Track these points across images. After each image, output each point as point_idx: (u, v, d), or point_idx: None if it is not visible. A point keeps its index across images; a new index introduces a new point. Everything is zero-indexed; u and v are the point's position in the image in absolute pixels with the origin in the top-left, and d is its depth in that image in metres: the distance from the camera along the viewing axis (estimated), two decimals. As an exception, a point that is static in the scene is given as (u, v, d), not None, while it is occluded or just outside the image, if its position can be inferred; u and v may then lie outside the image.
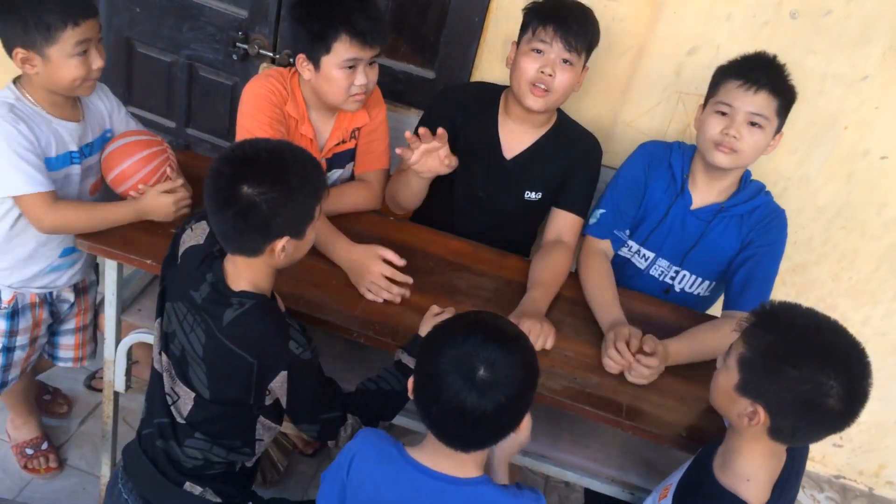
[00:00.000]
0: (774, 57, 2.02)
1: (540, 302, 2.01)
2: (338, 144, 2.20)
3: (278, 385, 1.57)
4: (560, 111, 2.26)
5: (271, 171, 1.48)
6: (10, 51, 1.81)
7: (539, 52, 2.04)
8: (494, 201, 2.27)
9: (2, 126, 1.80)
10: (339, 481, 1.50)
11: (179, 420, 1.67)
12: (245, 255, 1.54)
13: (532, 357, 1.40)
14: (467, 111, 2.22)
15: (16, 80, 1.89)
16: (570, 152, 2.23)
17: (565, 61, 2.04)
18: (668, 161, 2.16)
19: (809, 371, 1.37)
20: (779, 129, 2.01)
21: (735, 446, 1.52)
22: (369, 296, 1.93)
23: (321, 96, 2.08)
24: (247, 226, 1.48)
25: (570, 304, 2.08)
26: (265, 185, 1.45)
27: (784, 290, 2.66)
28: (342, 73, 1.99)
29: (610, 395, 1.83)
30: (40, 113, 1.88)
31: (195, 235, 1.66)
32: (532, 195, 2.25)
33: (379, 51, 2.03)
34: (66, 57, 1.80)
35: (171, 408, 1.68)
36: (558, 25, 2.02)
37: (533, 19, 2.06)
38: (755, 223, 2.10)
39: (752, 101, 1.95)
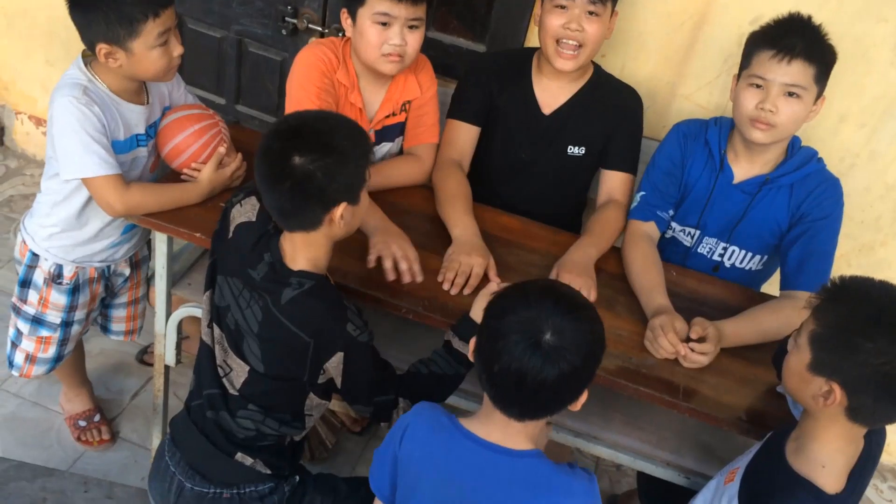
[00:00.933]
0: (809, 19, 1.91)
1: (583, 254, 1.98)
2: (388, 116, 2.17)
3: (334, 365, 1.57)
4: (596, 65, 2.21)
5: (320, 139, 1.48)
6: (91, 46, 1.82)
7: (563, 7, 1.99)
8: (538, 160, 2.23)
9: (76, 108, 1.80)
10: (390, 453, 1.49)
11: (232, 392, 1.67)
12: (305, 230, 1.53)
13: (600, 329, 1.36)
14: (500, 76, 2.20)
15: (85, 61, 1.88)
16: (610, 107, 2.18)
17: (591, 13, 1.99)
18: (705, 138, 2.08)
19: (886, 343, 1.30)
20: (819, 95, 1.91)
21: (810, 430, 1.45)
22: (375, 255, 1.86)
23: (358, 54, 2.05)
24: (306, 196, 1.48)
25: (624, 282, 2.02)
26: (317, 153, 1.46)
27: (849, 271, 2.45)
28: (375, 28, 1.96)
29: (666, 376, 1.77)
30: (111, 96, 1.88)
31: (245, 211, 1.65)
32: (575, 150, 2.21)
33: (418, 13, 1.98)
34: (149, 49, 1.81)
35: (224, 379, 1.68)
36: None
37: None
38: (807, 194, 1.99)
39: (787, 73, 1.85)
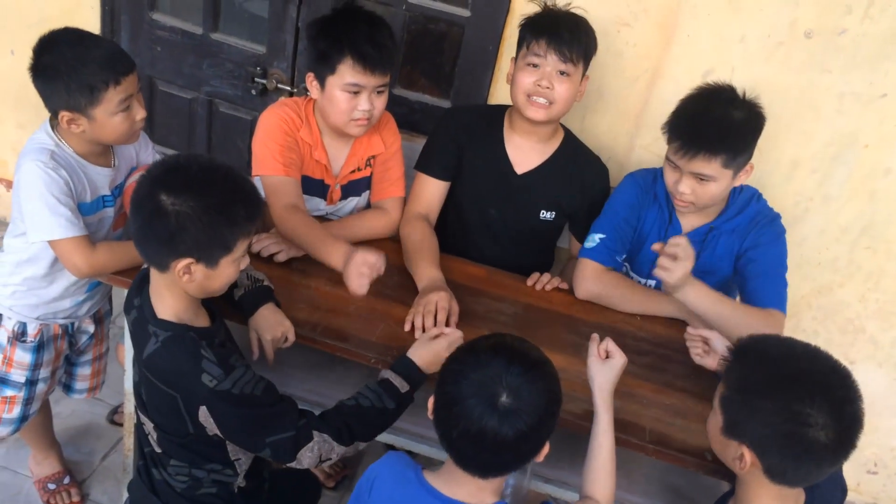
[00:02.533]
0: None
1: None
2: (353, 172, 2.22)
3: (204, 418, 1.50)
4: (566, 129, 2.28)
5: (193, 185, 1.42)
6: (55, 114, 1.84)
7: (535, 66, 2.06)
8: (508, 219, 2.26)
9: (43, 172, 1.82)
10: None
11: (156, 448, 1.66)
12: (154, 267, 1.50)
13: (556, 385, 1.37)
14: (471, 130, 2.24)
15: (52, 124, 1.91)
16: (581, 175, 2.24)
17: (562, 73, 2.06)
18: (654, 191, 2.15)
19: (782, 401, 1.31)
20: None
21: (742, 496, 1.45)
22: (357, 282, 1.87)
23: (325, 117, 2.11)
24: (152, 233, 1.44)
25: (591, 327, 2.05)
26: (181, 197, 1.40)
27: (810, 313, 2.62)
28: (345, 96, 2.02)
29: (632, 419, 1.80)
30: (78, 160, 1.90)
31: None
32: (547, 215, 2.26)
33: (385, 80, 2.05)
34: (111, 115, 1.83)
35: (148, 437, 1.67)
36: (551, 38, 2.03)
37: (527, 34, 2.08)
38: (747, 232, 2.08)
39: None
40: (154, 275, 1.53)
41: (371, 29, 2.00)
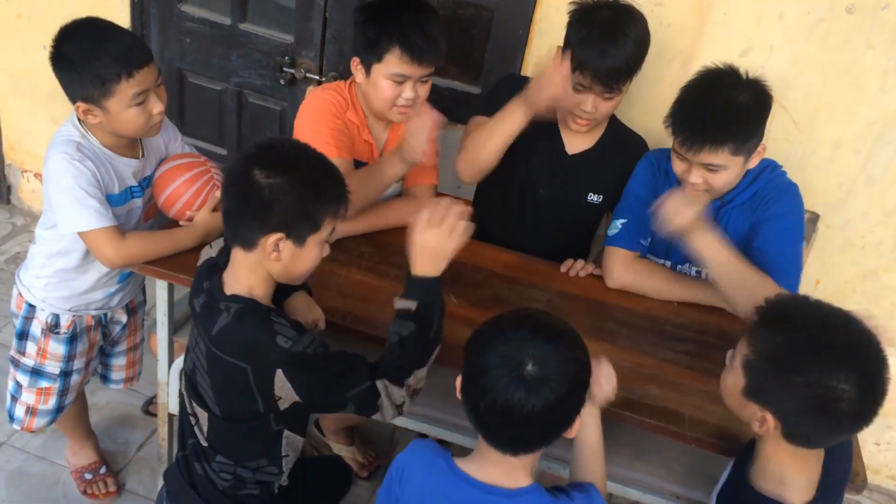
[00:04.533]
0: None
1: None
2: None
3: (280, 386, 1.49)
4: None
5: (286, 161, 1.46)
6: (72, 102, 1.85)
7: (581, 88, 2.01)
8: (554, 200, 2.23)
9: (70, 165, 1.83)
10: (393, 496, 1.47)
11: (203, 442, 1.65)
12: (241, 247, 1.50)
13: (583, 354, 1.35)
14: None
15: (80, 118, 1.91)
16: (627, 156, 2.19)
17: (607, 98, 2.02)
18: (666, 168, 2.08)
19: (818, 377, 1.28)
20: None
21: (764, 452, 1.44)
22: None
23: (368, 102, 2.09)
24: (245, 208, 1.45)
25: (626, 314, 2.02)
26: (274, 171, 1.43)
27: (854, 298, 2.54)
28: (389, 84, 2.00)
29: (671, 406, 1.76)
30: (104, 151, 1.90)
31: (211, 251, 1.67)
32: (594, 198, 2.22)
33: (431, 69, 2.02)
34: (125, 108, 1.81)
35: (195, 428, 1.66)
36: (596, 73, 1.96)
37: (573, 42, 2.00)
38: (758, 202, 1.99)
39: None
40: (237, 257, 1.52)
41: (420, 18, 1.97)
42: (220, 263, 1.59)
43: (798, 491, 1.39)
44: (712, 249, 1.84)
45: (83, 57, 1.77)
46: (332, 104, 2.08)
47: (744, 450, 1.55)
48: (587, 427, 1.55)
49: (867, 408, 1.30)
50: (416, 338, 1.52)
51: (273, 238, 1.45)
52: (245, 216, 1.47)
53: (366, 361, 1.55)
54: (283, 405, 1.53)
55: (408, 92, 2.01)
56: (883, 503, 2.86)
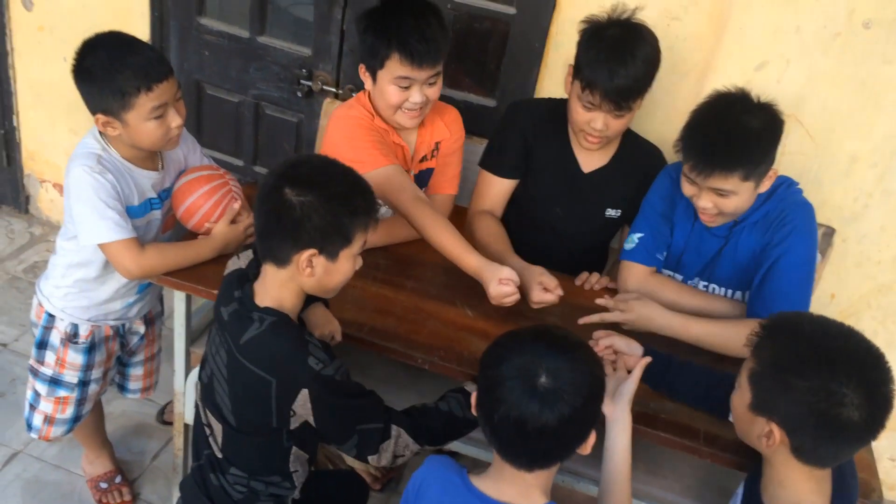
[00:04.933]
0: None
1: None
2: (422, 160, 2.20)
3: (301, 404, 1.50)
4: None
5: (316, 178, 1.48)
6: (93, 114, 1.87)
7: (590, 106, 2.01)
8: (573, 217, 2.23)
9: (90, 177, 1.85)
10: (409, 511, 1.47)
11: (218, 454, 1.66)
12: (274, 263, 1.52)
13: (598, 368, 1.35)
14: (538, 126, 2.20)
15: (101, 131, 1.93)
16: (644, 168, 2.19)
17: (617, 116, 2.03)
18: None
19: (818, 380, 1.29)
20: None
21: (774, 476, 1.43)
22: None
23: (377, 109, 2.09)
24: (278, 226, 1.47)
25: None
26: (305, 189, 1.45)
27: (870, 312, 2.53)
28: (395, 89, 2.01)
29: (685, 421, 1.75)
30: (124, 164, 1.93)
31: (239, 262, 1.68)
32: (612, 213, 2.22)
33: (436, 70, 2.02)
34: (143, 121, 1.84)
35: (210, 439, 1.67)
36: (606, 93, 1.96)
37: (580, 75, 2.00)
38: (771, 222, 1.96)
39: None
40: (269, 272, 1.54)
41: (418, 21, 1.97)
42: (249, 274, 1.61)
43: None
44: (665, 325, 1.90)
45: (104, 70, 1.79)
46: (360, 119, 2.09)
47: (755, 472, 1.54)
48: (616, 434, 1.57)
49: (872, 416, 1.30)
50: (467, 425, 1.60)
51: (306, 254, 1.48)
52: (277, 234, 1.49)
53: (382, 402, 1.59)
54: (294, 423, 1.55)
55: (415, 96, 2.02)
56: (900, 520, 2.83)
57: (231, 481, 1.66)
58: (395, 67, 1.98)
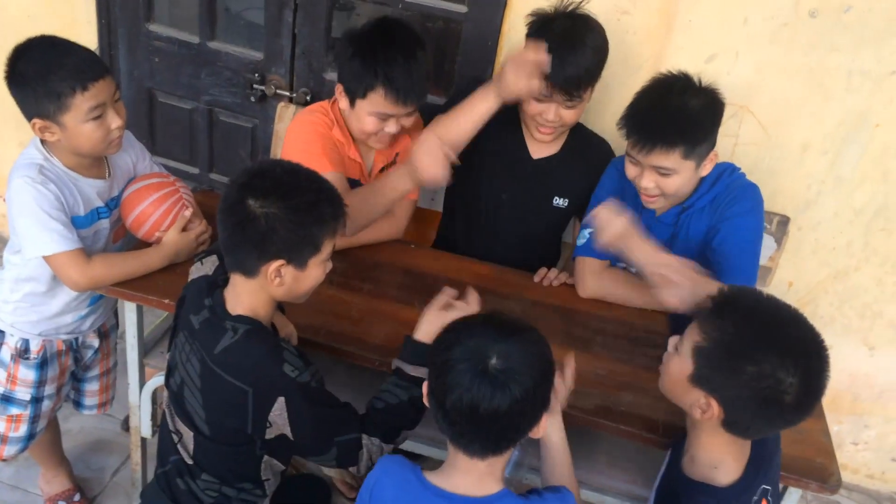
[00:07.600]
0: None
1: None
2: (381, 171, 2.20)
3: (278, 414, 1.49)
4: None
5: (279, 188, 1.45)
6: (29, 120, 1.82)
7: (542, 98, 2.03)
8: (520, 205, 2.23)
9: (32, 188, 1.81)
10: (363, 513, 1.45)
11: (188, 460, 1.63)
12: (242, 274, 1.50)
13: (547, 350, 1.35)
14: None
15: (42, 140, 1.89)
16: (591, 159, 2.21)
17: (570, 107, 2.05)
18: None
19: (770, 367, 1.32)
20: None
21: (696, 441, 1.48)
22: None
23: (351, 130, 2.11)
24: (244, 238, 1.45)
25: (599, 321, 2.02)
26: (269, 200, 1.43)
27: (827, 298, 2.56)
28: (373, 119, 2.02)
29: (646, 414, 1.76)
30: (67, 173, 1.88)
31: (204, 268, 1.65)
32: (560, 202, 2.23)
33: (416, 106, 2.03)
34: (81, 123, 1.79)
35: (178, 445, 1.64)
36: (556, 84, 1.98)
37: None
38: (718, 205, 2.00)
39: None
40: (237, 282, 1.53)
41: (407, 60, 1.97)
42: (218, 280, 1.59)
43: (727, 472, 1.44)
44: (648, 256, 1.84)
45: (38, 72, 1.75)
46: (318, 124, 2.09)
47: (677, 443, 1.59)
48: (551, 429, 1.55)
49: (807, 402, 1.36)
50: (418, 406, 1.56)
51: (274, 265, 1.46)
52: (244, 246, 1.47)
53: (356, 411, 1.58)
54: (270, 434, 1.53)
55: (392, 127, 2.04)
56: (862, 502, 2.86)
57: (202, 487, 1.63)
58: (377, 101, 1.98)
